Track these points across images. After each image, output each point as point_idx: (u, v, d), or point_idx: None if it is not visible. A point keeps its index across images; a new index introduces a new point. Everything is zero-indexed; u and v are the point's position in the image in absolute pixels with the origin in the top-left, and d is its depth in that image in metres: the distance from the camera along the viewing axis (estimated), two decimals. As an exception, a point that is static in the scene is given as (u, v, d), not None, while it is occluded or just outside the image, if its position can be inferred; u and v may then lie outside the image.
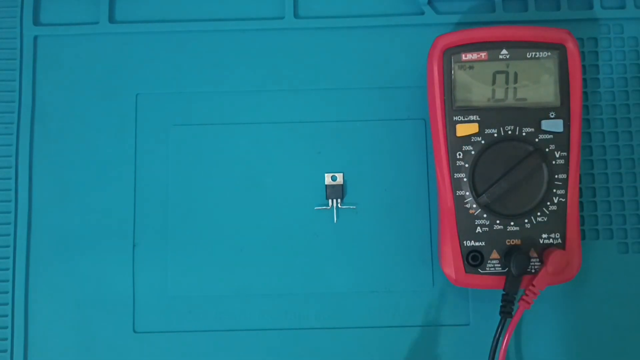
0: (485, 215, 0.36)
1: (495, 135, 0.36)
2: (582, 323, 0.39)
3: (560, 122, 0.36)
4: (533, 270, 0.36)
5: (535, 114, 0.36)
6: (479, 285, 0.37)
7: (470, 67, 0.37)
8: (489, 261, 0.37)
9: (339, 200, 0.40)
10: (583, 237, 0.40)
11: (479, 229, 0.37)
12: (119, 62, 0.41)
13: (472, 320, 0.39)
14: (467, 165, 0.36)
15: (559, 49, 0.37)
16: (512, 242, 0.36)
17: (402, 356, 0.38)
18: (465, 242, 0.37)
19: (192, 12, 0.42)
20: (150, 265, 0.39)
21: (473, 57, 0.37)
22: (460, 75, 0.37)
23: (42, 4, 0.42)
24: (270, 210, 0.40)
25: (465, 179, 0.37)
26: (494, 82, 0.37)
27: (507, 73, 0.37)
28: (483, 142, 0.36)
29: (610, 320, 0.39)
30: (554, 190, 0.36)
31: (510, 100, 0.37)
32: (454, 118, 0.37)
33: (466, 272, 0.37)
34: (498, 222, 0.36)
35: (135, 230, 0.40)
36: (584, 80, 0.41)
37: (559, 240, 0.36)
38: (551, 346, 0.39)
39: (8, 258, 0.40)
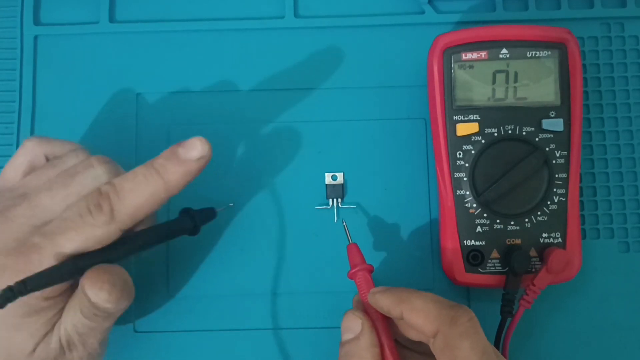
0: (485, 215, 0.36)
1: (496, 134, 0.36)
2: (582, 323, 0.39)
3: (560, 121, 0.36)
4: (533, 270, 0.36)
5: (536, 113, 0.36)
6: (479, 285, 0.37)
7: (471, 67, 0.37)
8: (489, 260, 0.37)
9: (339, 200, 0.40)
10: (584, 237, 0.40)
11: (479, 229, 0.36)
12: (119, 62, 0.41)
13: (472, 320, 0.39)
14: (467, 165, 0.36)
15: (559, 48, 0.37)
16: (513, 241, 0.36)
17: (402, 356, 0.38)
18: (465, 241, 0.37)
19: (192, 12, 0.42)
20: (150, 265, 0.39)
21: (473, 57, 0.37)
22: (460, 75, 0.37)
23: (43, 4, 0.42)
24: (271, 210, 0.40)
25: (465, 179, 0.36)
26: (494, 82, 0.37)
27: (507, 72, 0.37)
28: (483, 141, 0.36)
29: (611, 320, 0.39)
30: (555, 190, 0.36)
31: (510, 100, 0.37)
32: (454, 117, 0.37)
33: (466, 271, 0.37)
34: (498, 221, 0.36)
35: (136, 230, 0.40)
36: (585, 79, 0.41)
37: (560, 240, 0.36)
38: (551, 346, 0.39)
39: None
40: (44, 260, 0.30)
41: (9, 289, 0.28)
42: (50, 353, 0.31)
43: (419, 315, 0.30)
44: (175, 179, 0.31)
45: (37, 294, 0.29)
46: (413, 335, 0.32)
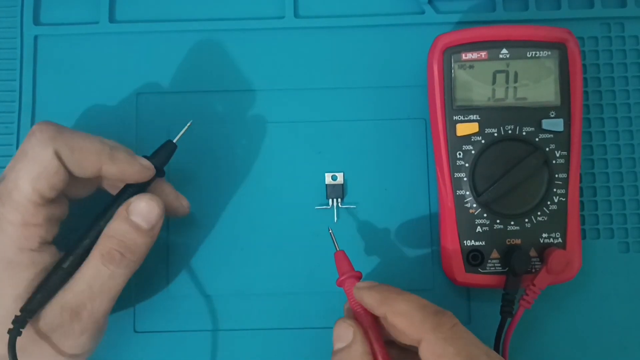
0: (485, 215, 0.36)
1: (496, 134, 0.36)
2: (582, 323, 0.39)
3: (560, 121, 0.36)
4: (533, 270, 0.36)
5: (536, 113, 0.36)
6: (479, 285, 0.37)
7: (471, 67, 0.37)
8: (489, 261, 0.37)
9: (339, 200, 0.40)
10: (584, 237, 0.40)
11: (479, 229, 0.36)
12: (119, 62, 0.41)
13: (472, 320, 0.39)
14: (467, 165, 0.36)
15: (559, 48, 0.37)
16: (513, 241, 0.36)
17: (402, 356, 0.38)
18: (465, 241, 0.37)
19: (192, 12, 0.42)
20: (150, 265, 0.39)
21: (473, 57, 0.37)
22: (460, 75, 0.37)
23: (43, 4, 0.42)
24: (271, 210, 0.40)
25: (465, 179, 0.36)
26: (494, 82, 0.37)
27: (507, 72, 0.37)
28: (483, 141, 0.36)
29: (611, 320, 0.39)
30: (555, 190, 0.36)
31: (510, 100, 0.37)
32: (454, 117, 0.37)
33: (466, 271, 0.37)
34: (498, 221, 0.36)
35: (136, 230, 0.40)
36: (585, 79, 0.41)
37: (560, 240, 0.36)
38: (551, 346, 0.39)
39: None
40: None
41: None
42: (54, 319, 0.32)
43: (402, 320, 0.30)
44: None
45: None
46: (402, 338, 0.32)
